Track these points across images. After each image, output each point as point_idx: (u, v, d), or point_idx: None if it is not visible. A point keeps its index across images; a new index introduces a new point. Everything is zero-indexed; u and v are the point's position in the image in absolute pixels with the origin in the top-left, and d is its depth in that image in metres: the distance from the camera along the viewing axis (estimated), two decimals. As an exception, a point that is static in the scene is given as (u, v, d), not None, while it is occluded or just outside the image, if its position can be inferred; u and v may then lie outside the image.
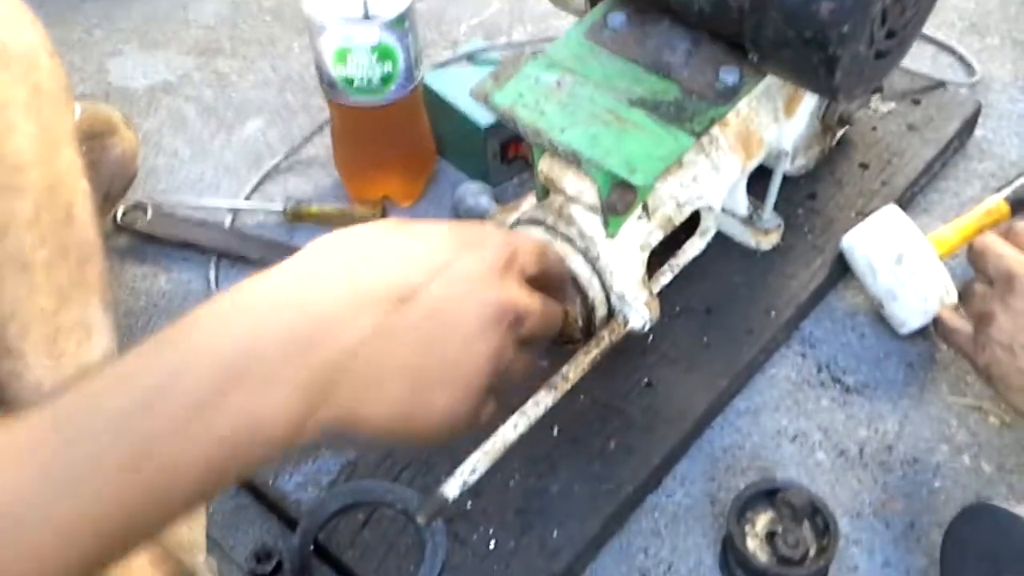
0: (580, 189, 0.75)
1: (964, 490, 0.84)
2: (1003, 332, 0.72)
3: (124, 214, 1.06)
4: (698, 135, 0.73)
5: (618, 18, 0.79)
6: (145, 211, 1.07)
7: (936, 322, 0.83)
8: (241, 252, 1.04)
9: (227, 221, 1.08)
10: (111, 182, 1.01)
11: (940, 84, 1.13)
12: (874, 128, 1.08)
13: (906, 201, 1.03)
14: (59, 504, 0.43)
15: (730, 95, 0.75)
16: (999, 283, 0.73)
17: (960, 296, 0.79)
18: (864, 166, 1.05)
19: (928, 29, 1.25)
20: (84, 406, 0.45)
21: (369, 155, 1.05)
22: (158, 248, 1.06)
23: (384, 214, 1.07)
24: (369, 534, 0.78)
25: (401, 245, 0.54)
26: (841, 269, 0.97)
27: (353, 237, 0.53)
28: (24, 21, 0.82)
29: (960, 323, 0.79)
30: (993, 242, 0.75)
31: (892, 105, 1.11)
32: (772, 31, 0.66)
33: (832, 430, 0.88)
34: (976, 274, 0.77)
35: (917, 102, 1.11)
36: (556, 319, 0.65)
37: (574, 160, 0.73)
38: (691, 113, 0.74)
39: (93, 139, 0.95)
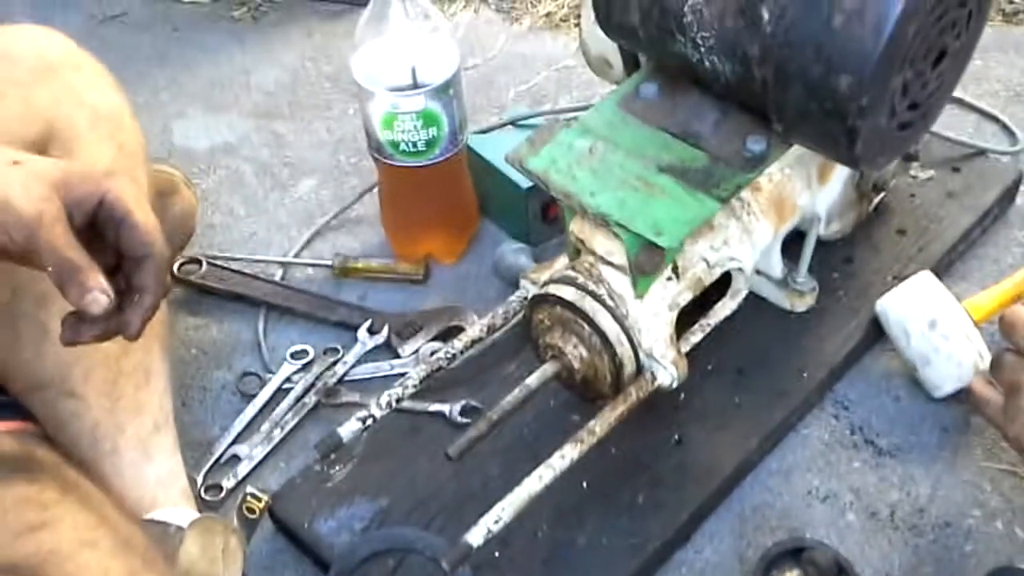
0: (609, 250, 0.78)
1: (996, 555, 0.83)
2: None
3: (180, 267, 1.11)
4: (724, 200, 0.76)
5: (650, 88, 0.83)
6: (200, 264, 1.12)
7: (968, 392, 0.83)
8: (289, 305, 1.08)
9: (278, 275, 1.13)
10: (171, 238, 1.03)
11: (980, 152, 1.14)
12: (912, 195, 1.10)
13: (943, 267, 1.04)
14: None
15: (757, 163, 0.78)
16: None
17: (992, 366, 0.80)
18: (902, 232, 1.06)
19: (971, 97, 1.27)
20: None
21: (414, 214, 1.09)
22: (211, 300, 1.11)
23: (427, 271, 1.10)
24: (401, 580, 0.81)
25: None
26: (876, 333, 0.98)
27: None
28: (109, 85, 0.88)
29: (991, 393, 0.79)
30: (1023, 313, 0.75)
31: (931, 173, 1.12)
32: (794, 103, 0.69)
33: (864, 492, 0.88)
34: (1007, 344, 0.78)
35: (957, 170, 1.12)
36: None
37: (603, 223, 0.76)
38: (718, 179, 0.77)
39: (156, 197, 0.99)
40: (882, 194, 1.04)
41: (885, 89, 0.66)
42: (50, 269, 0.64)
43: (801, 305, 0.98)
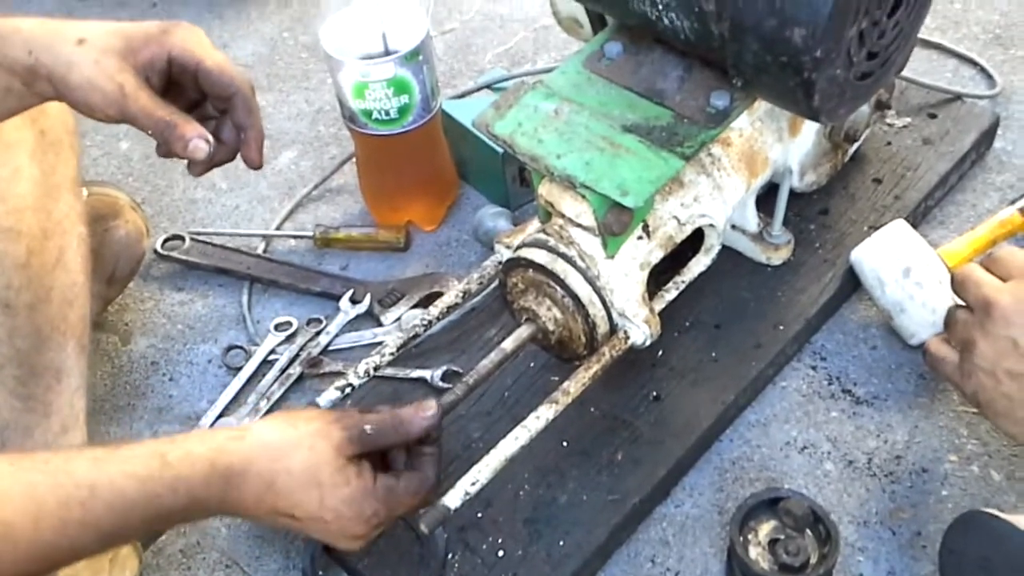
0: (578, 211, 0.78)
1: (973, 499, 0.84)
2: (985, 358, 0.72)
3: (164, 243, 1.12)
4: (688, 157, 0.76)
5: (614, 48, 0.83)
6: (183, 240, 1.12)
7: (924, 352, 0.82)
8: (272, 277, 1.09)
9: (260, 248, 1.13)
10: (116, 264, 1.02)
11: (957, 97, 1.14)
12: (889, 143, 1.10)
13: (920, 215, 1.05)
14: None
15: (720, 118, 0.78)
16: (978, 311, 0.74)
17: (945, 324, 0.79)
18: (878, 181, 1.06)
19: (950, 42, 1.26)
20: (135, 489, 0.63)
21: (391, 182, 1.09)
22: (196, 275, 1.12)
23: (408, 239, 1.11)
24: (383, 543, 0.82)
25: (311, 487, 0.68)
26: (853, 283, 0.98)
27: (291, 467, 0.68)
28: None
29: (946, 352, 0.78)
30: (973, 270, 0.75)
31: (908, 120, 1.12)
32: (751, 57, 0.69)
33: (841, 441, 0.90)
34: (954, 301, 0.78)
35: (933, 116, 1.12)
36: (418, 501, 0.72)
37: (570, 185, 0.77)
38: (683, 137, 0.77)
39: (97, 222, 0.97)
40: (856, 144, 1.04)
41: (840, 40, 0.66)
42: (149, 132, 0.72)
43: (777, 258, 0.98)
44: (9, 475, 0.60)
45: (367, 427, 0.71)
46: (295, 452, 0.68)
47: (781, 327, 0.94)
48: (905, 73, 1.06)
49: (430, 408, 0.72)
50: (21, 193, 0.83)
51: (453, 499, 0.72)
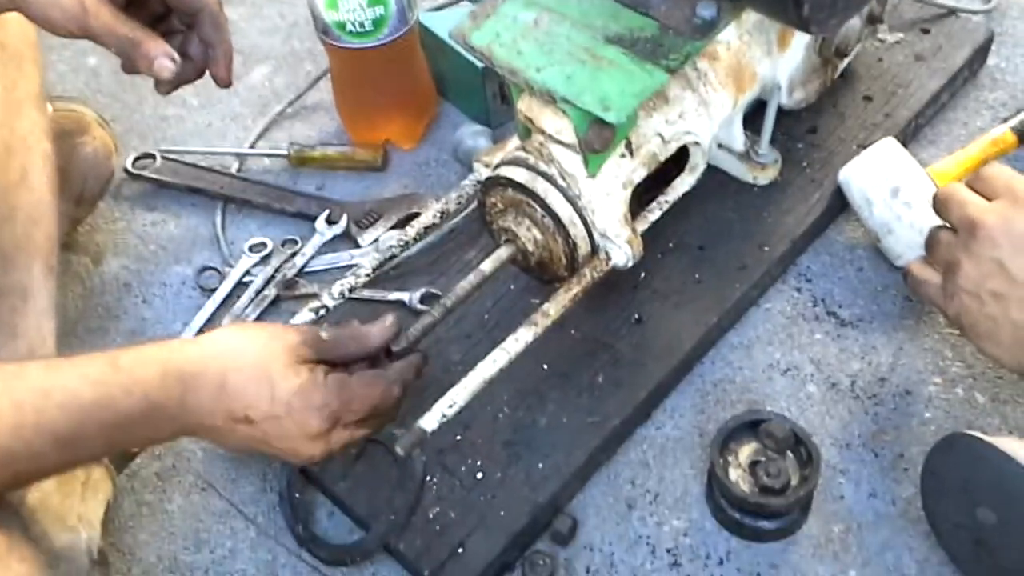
0: (559, 128, 0.75)
1: (956, 421, 0.84)
2: (969, 280, 0.70)
3: (135, 162, 1.09)
4: (673, 70, 0.73)
5: (597, -46, 0.79)
6: (154, 159, 1.09)
7: (906, 274, 0.80)
8: (246, 197, 1.06)
9: (234, 167, 1.10)
10: (84, 182, 0.99)
11: (950, 12, 1.10)
12: (880, 59, 1.07)
13: (911, 133, 1.02)
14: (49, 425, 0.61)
15: (707, 30, 0.74)
16: (962, 231, 0.71)
17: (927, 245, 0.77)
18: (868, 98, 1.03)
19: (944, -45, 1.22)
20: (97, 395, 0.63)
21: (368, 99, 1.06)
22: (168, 195, 1.09)
23: (386, 158, 1.08)
24: (361, 466, 0.81)
25: (262, 384, 0.67)
26: (841, 203, 0.96)
27: (242, 365, 0.67)
28: None
29: (929, 274, 0.76)
30: (957, 190, 0.73)
31: (900, 35, 1.09)
32: (739, -37, 0.66)
33: (824, 363, 0.88)
34: (941, 222, 0.76)
35: (926, 31, 1.09)
36: (375, 402, 0.71)
37: (551, 99, 0.74)
38: (667, 49, 0.74)
39: (62, 139, 0.94)
40: (847, 60, 1.01)
41: (832, -54, 0.63)
42: (113, 49, 0.71)
43: (764, 178, 0.96)
44: None
45: (323, 334, 0.70)
46: (247, 352, 0.67)
47: (766, 248, 0.92)
48: (898, -14, 1.03)
49: (387, 320, 0.73)
50: None
51: (430, 421, 0.70)
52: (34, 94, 0.86)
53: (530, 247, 0.80)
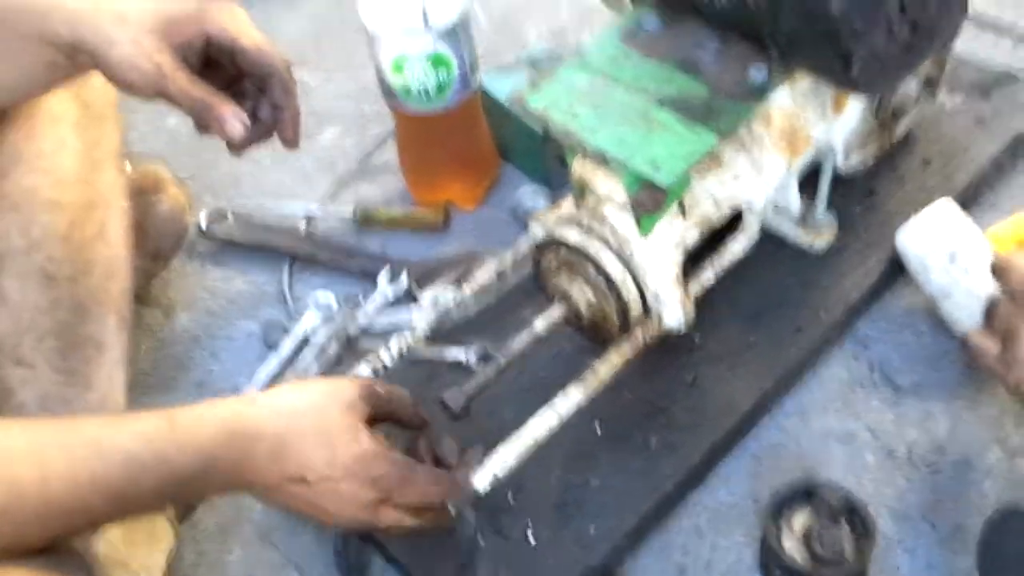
0: (611, 189, 0.77)
1: (1016, 492, 0.82)
2: None
3: (208, 221, 1.13)
4: (724, 134, 0.74)
5: (652, 21, 0.81)
6: (226, 217, 1.13)
7: (963, 344, 0.78)
8: (313, 254, 1.09)
9: (302, 226, 1.13)
10: (159, 240, 1.03)
11: (1011, 77, 1.10)
12: (940, 123, 1.06)
13: (970, 197, 1.01)
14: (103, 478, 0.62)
15: (759, 93, 0.76)
16: (1021, 300, 0.71)
17: (985, 315, 0.76)
18: (927, 162, 1.03)
19: (1008, 18, 1.22)
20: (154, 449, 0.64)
21: (430, 160, 1.09)
22: (238, 251, 1.13)
23: (447, 217, 1.10)
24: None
25: (322, 447, 0.68)
26: (900, 268, 0.95)
27: (303, 427, 0.69)
28: None
29: (988, 343, 0.75)
30: (1016, 258, 0.72)
31: (960, 99, 1.08)
32: (788, 27, 0.67)
33: (881, 430, 0.87)
34: (1000, 290, 0.75)
35: (987, 95, 1.08)
36: (433, 497, 0.71)
37: (603, 161, 0.75)
38: (719, 112, 0.75)
39: (139, 196, 0.98)
40: (905, 124, 1.01)
41: (879, 9, 0.64)
42: (187, 111, 0.73)
43: (820, 242, 0.96)
44: (18, 435, 0.62)
45: (379, 388, 0.72)
46: (307, 413, 0.68)
47: (822, 313, 0.92)
48: (958, 51, 1.03)
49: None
50: (65, 165, 0.84)
51: (480, 481, 0.71)
52: (114, 153, 0.90)
53: (583, 307, 0.81)
